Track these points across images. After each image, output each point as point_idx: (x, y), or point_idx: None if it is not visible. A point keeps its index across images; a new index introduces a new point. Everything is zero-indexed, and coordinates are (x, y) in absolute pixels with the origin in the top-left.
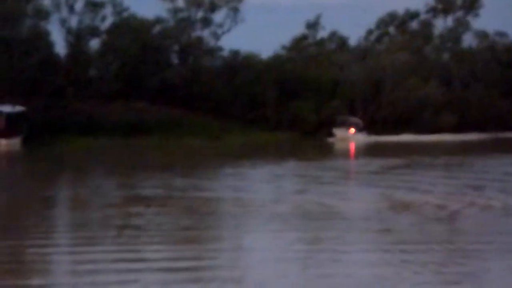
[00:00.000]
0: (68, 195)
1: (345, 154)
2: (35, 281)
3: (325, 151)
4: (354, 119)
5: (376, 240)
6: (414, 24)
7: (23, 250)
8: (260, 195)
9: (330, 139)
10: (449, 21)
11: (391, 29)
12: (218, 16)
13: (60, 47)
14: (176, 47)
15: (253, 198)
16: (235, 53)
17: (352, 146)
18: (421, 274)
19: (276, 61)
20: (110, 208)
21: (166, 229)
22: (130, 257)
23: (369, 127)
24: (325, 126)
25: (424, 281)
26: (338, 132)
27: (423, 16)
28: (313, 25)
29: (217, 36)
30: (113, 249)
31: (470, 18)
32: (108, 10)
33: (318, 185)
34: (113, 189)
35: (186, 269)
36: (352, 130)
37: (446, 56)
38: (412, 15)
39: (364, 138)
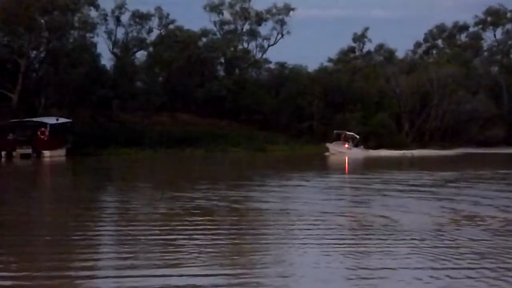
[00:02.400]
0: (123, 207)
1: (392, 166)
2: None
3: (371, 164)
4: (350, 134)
5: (444, 256)
6: (463, 37)
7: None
8: (317, 207)
9: (325, 153)
10: (499, 33)
11: (440, 42)
12: (265, 29)
13: (106, 59)
14: (222, 59)
15: (310, 210)
16: (281, 66)
17: (347, 160)
18: None
19: (322, 73)
20: (167, 221)
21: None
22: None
23: (416, 139)
24: (371, 138)
25: None
26: (332, 146)
27: (472, 29)
28: (360, 38)
29: (263, 49)
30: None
31: None
32: (154, 23)
33: (374, 197)
34: (167, 201)
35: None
36: (346, 145)
37: (495, 69)
38: (461, 27)
39: (361, 153)
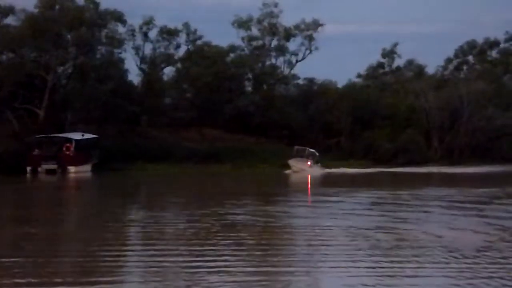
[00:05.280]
0: (164, 226)
1: (424, 183)
2: None
3: (403, 180)
4: (312, 151)
5: (497, 275)
6: (493, 53)
7: None
8: (358, 223)
9: (286, 171)
10: None
11: (470, 58)
12: (293, 44)
13: (134, 74)
14: (250, 75)
15: (352, 226)
16: (310, 81)
17: (309, 178)
18: None
19: (351, 89)
20: (210, 237)
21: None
22: None
23: (445, 156)
24: (400, 154)
25: None
26: (295, 163)
27: (503, 45)
28: (389, 54)
29: (291, 64)
30: None
31: None
32: (182, 38)
33: (417, 214)
34: (205, 217)
35: None
36: (309, 162)
37: None
38: (492, 44)
39: (319, 171)
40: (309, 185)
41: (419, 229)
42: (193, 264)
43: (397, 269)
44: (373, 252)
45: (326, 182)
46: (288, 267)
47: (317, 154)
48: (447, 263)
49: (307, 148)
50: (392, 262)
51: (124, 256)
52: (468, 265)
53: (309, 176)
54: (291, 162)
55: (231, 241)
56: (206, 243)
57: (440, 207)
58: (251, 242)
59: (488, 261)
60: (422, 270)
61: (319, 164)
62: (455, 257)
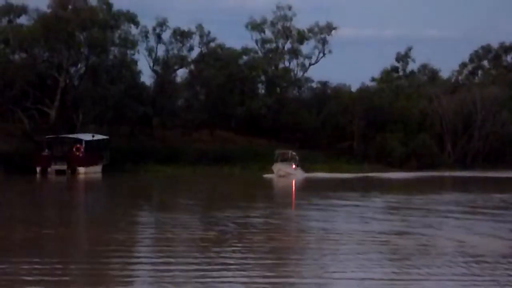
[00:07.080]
0: (175, 229)
1: (440, 187)
2: None
3: (423, 185)
4: (294, 154)
5: None
6: (508, 58)
7: None
8: (376, 227)
9: (267, 175)
10: None
11: (485, 63)
12: (306, 48)
13: (147, 76)
14: (263, 78)
15: (371, 230)
16: (323, 84)
17: (293, 183)
18: None
19: (364, 92)
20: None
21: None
22: None
23: (458, 161)
24: (412, 158)
25: None
26: (282, 167)
27: None
28: (403, 58)
29: (304, 67)
30: None
31: None
32: (195, 40)
33: (439, 219)
34: (216, 219)
35: None
36: (293, 165)
37: None
38: (507, 48)
39: (302, 174)
40: (293, 190)
41: (440, 234)
42: (204, 272)
43: (418, 276)
44: (393, 258)
45: (322, 186)
46: (302, 275)
47: (297, 157)
48: (470, 270)
49: (290, 151)
50: (413, 268)
51: (135, 262)
52: (491, 273)
53: (293, 181)
54: (277, 166)
55: (243, 246)
56: (217, 248)
57: (459, 212)
58: (264, 247)
59: None
60: (444, 277)
61: (299, 167)
62: (478, 264)
